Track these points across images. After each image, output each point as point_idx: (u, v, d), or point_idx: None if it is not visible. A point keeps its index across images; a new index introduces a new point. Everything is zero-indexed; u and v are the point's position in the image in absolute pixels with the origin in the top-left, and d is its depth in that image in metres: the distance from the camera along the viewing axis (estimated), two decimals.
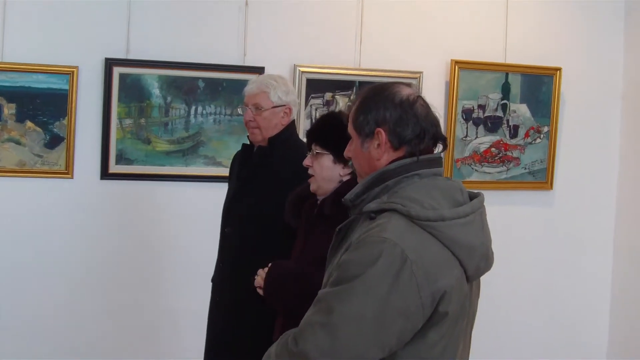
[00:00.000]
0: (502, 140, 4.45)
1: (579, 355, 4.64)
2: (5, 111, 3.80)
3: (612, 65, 4.64)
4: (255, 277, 2.56)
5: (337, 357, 1.66)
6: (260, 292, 2.53)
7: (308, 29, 4.17)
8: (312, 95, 4.13)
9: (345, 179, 2.49)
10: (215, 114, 4.04)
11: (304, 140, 2.79)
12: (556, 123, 4.51)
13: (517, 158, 4.48)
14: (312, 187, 2.55)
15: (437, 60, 4.34)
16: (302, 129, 3.95)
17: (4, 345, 3.87)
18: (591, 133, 4.64)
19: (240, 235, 3.03)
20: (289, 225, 2.74)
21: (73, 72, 3.84)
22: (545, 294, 4.62)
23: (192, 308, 3.86)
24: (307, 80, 4.11)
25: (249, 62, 4.05)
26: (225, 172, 3.53)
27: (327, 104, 4.15)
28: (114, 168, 3.94)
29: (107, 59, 3.88)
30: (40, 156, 3.86)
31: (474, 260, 1.78)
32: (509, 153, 4.46)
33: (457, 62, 4.30)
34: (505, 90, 4.42)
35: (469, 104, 4.36)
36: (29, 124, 3.83)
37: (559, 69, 4.46)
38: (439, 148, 1.91)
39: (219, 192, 3.31)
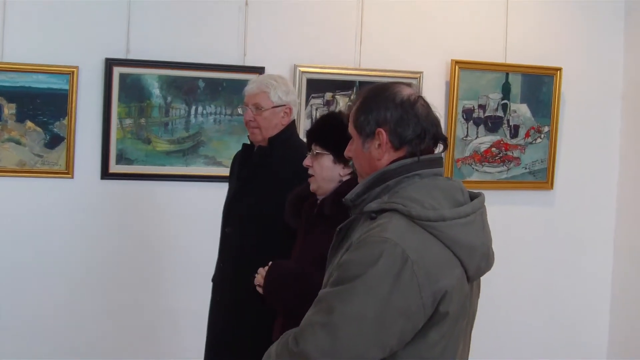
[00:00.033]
0: (502, 140, 4.45)
1: (579, 355, 4.64)
2: (6, 111, 3.80)
3: (612, 65, 4.64)
4: (256, 275, 2.56)
5: (338, 357, 1.66)
6: (260, 290, 2.53)
7: (308, 29, 4.17)
8: (313, 95, 4.13)
9: (345, 179, 2.49)
10: (215, 113, 4.04)
11: (304, 140, 2.79)
12: (556, 123, 4.51)
13: (518, 158, 4.48)
14: (312, 187, 2.55)
15: (437, 60, 4.34)
16: (303, 129, 3.95)
17: (4, 345, 3.87)
18: (591, 133, 4.64)
19: (240, 235, 3.03)
20: (289, 225, 2.74)
21: (73, 72, 3.84)
22: (545, 294, 4.62)
23: (192, 308, 3.87)
24: (307, 80, 4.11)
25: (249, 62, 4.05)
26: (225, 172, 3.53)
27: (328, 104, 4.15)
28: (114, 168, 3.94)
29: (107, 59, 3.88)
30: (40, 156, 3.86)
31: (474, 260, 1.78)
32: (509, 153, 4.46)
33: (457, 62, 4.30)
34: (506, 90, 4.42)
35: (469, 103, 4.36)
36: (29, 123, 3.83)
37: (560, 69, 4.46)
38: (439, 148, 1.91)
39: (219, 192, 3.31)
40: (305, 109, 4.12)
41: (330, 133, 2.51)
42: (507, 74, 4.41)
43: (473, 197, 1.88)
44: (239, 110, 3.56)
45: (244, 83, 3.33)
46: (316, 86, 4.13)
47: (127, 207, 4.02)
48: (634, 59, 4.56)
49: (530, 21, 4.49)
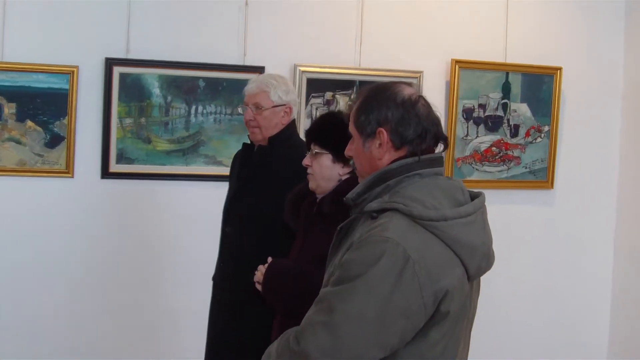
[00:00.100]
0: (502, 140, 4.45)
1: (579, 355, 4.64)
2: (6, 111, 3.80)
3: (613, 65, 4.64)
4: (255, 272, 2.56)
5: (339, 357, 1.66)
6: (259, 287, 2.53)
7: (308, 28, 4.16)
8: (313, 94, 4.13)
9: (344, 178, 2.49)
10: (215, 113, 4.04)
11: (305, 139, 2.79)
12: (557, 122, 4.51)
13: (518, 157, 4.48)
14: (311, 186, 2.54)
15: (437, 60, 4.34)
16: (303, 128, 3.95)
17: (4, 345, 3.87)
18: (592, 132, 4.64)
19: (240, 234, 3.03)
20: (288, 224, 2.73)
21: (73, 71, 3.84)
22: (545, 294, 4.62)
23: (192, 308, 3.86)
24: (308, 80, 4.11)
25: (249, 62, 4.05)
26: (225, 171, 3.53)
27: (328, 103, 4.15)
28: (114, 167, 3.94)
29: (107, 59, 3.88)
30: (40, 155, 3.86)
31: (475, 259, 1.78)
32: (509, 152, 4.46)
33: (457, 61, 4.30)
34: (506, 89, 4.42)
35: (469, 103, 4.36)
36: (29, 123, 3.83)
37: (560, 69, 4.46)
38: (440, 147, 1.91)
39: (220, 192, 3.30)
40: (306, 108, 4.12)
41: (329, 132, 2.51)
42: (507, 74, 4.41)
43: (473, 196, 1.88)
44: (239, 110, 3.56)
45: (244, 82, 3.33)
46: (316, 86, 4.13)
47: (128, 206, 4.02)
48: (634, 59, 4.56)
49: (531, 21, 4.49)
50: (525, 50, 4.45)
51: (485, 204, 1.89)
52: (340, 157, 2.42)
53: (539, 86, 4.47)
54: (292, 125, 3.12)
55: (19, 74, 3.78)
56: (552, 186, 4.56)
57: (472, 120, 4.38)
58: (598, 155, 4.66)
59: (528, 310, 4.59)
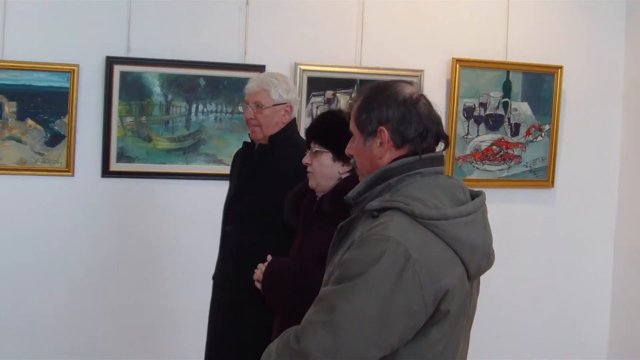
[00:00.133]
0: (503, 139, 4.44)
1: (579, 355, 4.63)
2: (6, 109, 3.80)
3: (613, 65, 4.63)
4: (255, 270, 2.56)
5: (339, 356, 1.65)
6: (259, 286, 2.52)
7: (309, 27, 4.16)
8: (313, 93, 4.13)
9: (344, 176, 2.48)
10: (216, 112, 4.04)
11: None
12: (557, 121, 4.50)
13: (519, 156, 4.48)
14: (311, 184, 2.54)
15: (438, 59, 4.34)
16: (303, 127, 3.95)
17: (4, 345, 3.86)
18: (592, 132, 4.64)
19: (241, 233, 3.03)
20: (288, 223, 2.73)
21: (74, 70, 3.84)
22: (545, 293, 4.62)
23: (192, 308, 3.86)
24: (308, 79, 4.11)
25: (249, 61, 4.05)
26: (226, 170, 3.53)
27: (328, 102, 4.15)
28: (114, 166, 3.94)
29: (108, 57, 3.88)
30: (41, 154, 3.86)
31: (475, 258, 1.78)
32: (510, 151, 4.46)
33: (458, 60, 4.29)
34: (507, 88, 4.41)
35: (470, 102, 4.36)
36: (29, 122, 3.83)
37: (560, 67, 4.46)
38: (440, 146, 1.91)
39: (220, 190, 3.30)
40: (306, 107, 4.12)
41: (329, 131, 2.51)
42: (508, 72, 4.41)
43: (474, 195, 1.88)
44: (240, 109, 3.55)
45: (244, 81, 3.33)
46: (317, 84, 4.13)
47: (128, 205, 4.02)
48: (635, 59, 4.56)
49: (531, 19, 4.48)
50: (526, 49, 4.45)
51: (486, 202, 1.89)
52: (340, 155, 2.41)
53: (540, 85, 4.47)
54: (292, 124, 3.12)
55: (20, 73, 3.78)
56: (552, 185, 4.56)
57: (472, 119, 4.38)
58: (598, 155, 4.65)
59: (528, 310, 4.59)
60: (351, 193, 1.87)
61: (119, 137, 3.93)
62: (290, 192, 2.73)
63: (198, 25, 4.02)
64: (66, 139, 3.87)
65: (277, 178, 2.96)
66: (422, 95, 1.87)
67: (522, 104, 4.46)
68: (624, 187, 4.64)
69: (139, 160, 3.97)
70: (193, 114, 4.02)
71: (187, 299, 4.02)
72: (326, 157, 2.49)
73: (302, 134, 3.37)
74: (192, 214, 4.05)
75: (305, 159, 2.54)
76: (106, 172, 3.93)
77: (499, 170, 4.45)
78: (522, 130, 4.47)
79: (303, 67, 4.09)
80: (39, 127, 3.84)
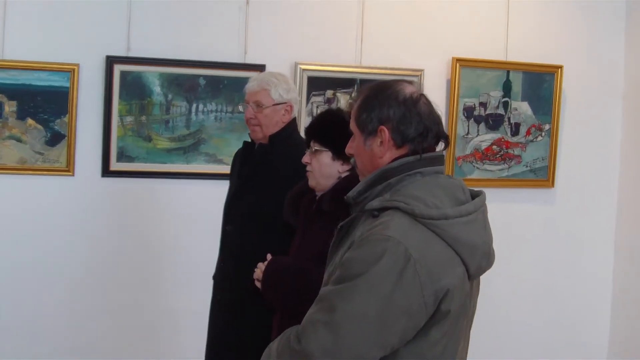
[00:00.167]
0: (503, 138, 4.44)
1: (580, 355, 4.63)
2: (6, 109, 3.80)
3: (613, 65, 4.63)
4: (255, 269, 2.56)
5: (340, 356, 1.65)
6: (259, 284, 2.52)
7: (309, 27, 4.16)
8: (313, 92, 4.13)
9: (344, 175, 2.48)
10: (216, 111, 4.04)
11: None
12: (557, 121, 4.50)
13: (519, 156, 4.48)
14: (311, 183, 2.54)
15: (438, 59, 4.34)
16: (303, 126, 3.94)
17: (4, 345, 3.86)
18: (592, 131, 4.64)
19: (241, 233, 3.03)
20: (288, 222, 2.73)
21: (74, 69, 3.84)
22: (545, 293, 4.61)
23: (192, 308, 3.86)
24: (308, 78, 4.11)
25: (249, 60, 4.05)
26: (226, 169, 3.53)
27: (328, 101, 4.15)
28: (115, 165, 3.94)
29: (108, 57, 3.88)
30: (41, 154, 3.86)
31: (476, 258, 1.78)
32: (510, 151, 4.45)
33: (458, 60, 4.29)
34: (507, 88, 4.41)
35: (470, 101, 4.36)
36: (29, 121, 3.83)
37: (561, 67, 4.45)
38: (440, 146, 1.90)
39: (220, 190, 3.30)
40: (306, 106, 4.12)
41: (329, 130, 2.50)
42: (508, 72, 4.41)
43: (474, 195, 1.88)
44: (240, 108, 3.55)
45: (244, 81, 3.32)
46: (317, 84, 4.13)
47: (128, 204, 4.02)
48: (635, 59, 4.56)
49: (531, 19, 4.48)
50: (526, 49, 4.45)
51: (486, 202, 1.89)
52: (339, 154, 2.41)
53: (540, 84, 4.47)
54: (292, 124, 3.12)
55: (20, 72, 3.78)
56: (552, 185, 4.56)
57: (472, 119, 4.38)
58: (599, 154, 4.65)
59: (528, 310, 4.59)
60: (351, 193, 1.86)
61: (119, 137, 3.93)
62: (289, 191, 2.73)
63: (198, 25, 4.02)
64: (66, 138, 3.87)
65: (277, 177, 2.96)
66: (422, 95, 1.87)
67: (522, 104, 4.46)
68: (624, 187, 4.63)
69: (139, 159, 3.97)
70: (193, 114, 4.02)
71: (187, 299, 4.01)
72: (326, 156, 2.49)
73: (302, 134, 3.37)
74: (192, 214, 4.05)
75: (305, 158, 2.54)
76: (106, 172, 3.93)
77: (499, 170, 4.45)
78: (522, 130, 4.47)
79: (303, 67, 4.09)
80: (39, 126, 3.84)
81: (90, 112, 3.91)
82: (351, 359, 1.66)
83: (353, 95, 4.11)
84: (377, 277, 1.65)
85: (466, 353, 1.95)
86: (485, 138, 4.41)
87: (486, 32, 4.41)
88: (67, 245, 3.93)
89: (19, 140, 3.83)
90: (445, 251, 1.72)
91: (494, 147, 4.43)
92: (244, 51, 4.05)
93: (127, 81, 3.91)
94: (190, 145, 4.02)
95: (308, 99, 4.12)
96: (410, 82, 1.92)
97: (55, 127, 3.85)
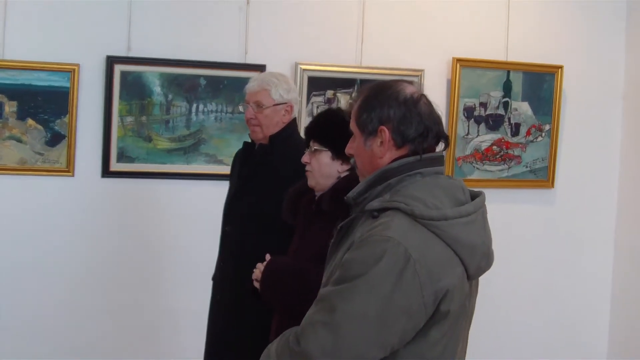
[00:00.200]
0: (503, 139, 4.44)
1: (579, 355, 4.63)
2: (7, 109, 3.80)
3: (614, 65, 4.63)
4: (254, 270, 2.55)
5: (340, 356, 1.65)
6: (257, 284, 2.52)
7: (309, 27, 4.16)
8: (314, 93, 4.13)
9: (343, 175, 2.48)
10: (216, 111, 4.04)
11: None
12: (558, 121, 4.50)
13: (519, 156, 4.48)
14: (310, 183, 2.54)
15: (438, 59, 4.34)
16: (304, 126, 3.93)
17: (4, 345, 3.86)
18: (592, 132, 4.64)
19: (241, 233, 3.03)
20: (287, 222, 2.73)
21: (74, 69, 3.84)
22: (545, 293, 4.61)
23: (192, 308, 3.86)
24: (309, 78, 4.11)
25: (250, 60, 4.05)
26: (226, 170, 3.53)
27: (329, 101, 4.15)
28: (115, 166, 3.94)
29: (108, 57, 3.88)
30: (41, 154, 3.86)
31: (475, 259, 1.78)
32: (510, 151, 4.45)
33: (458, 60, 4.29)
34: (507, 88, 4.41)
35: (470, 101, 4.36)
36: (30, 121, 3.83)
37: (561, 67, 4.45)
38: (440, 146, 1.90)
39: (220, 190, 3.30)
40: (307, 106, 4.12)
41: (328, 129, 2.50)
42: (508, 72, 4.41)
43: (473, 196, 1.88)
44: (240, 108, 3.55)
45: (245, 81, 3.33)
46: (317, 84, 4.13)
47: (128, 205, 4.02)
48: (635, 59, 4.56)
49: (532, 19, 4.48)
50: (526, 49, 4.45)
51: (486, 203, 1.89)
52: (339, 154, 2.41)
53: (540, 85, 4.47)
54: (293, 124, 3.12)
55: (20, 72, 3.78)
56: (552, 185, 4.56)
57: (473, 119, 4.38)
58: (599, 155, 4.65)
59: (528, 310, 4.59)
60: (351, 193, 1.86)
61: (119, 137, 3.93)
62: (288, 191, 2.72)
63: (198, 25, 4.02)
64: (66, 138, 3.87)
65: (277, 178, 2.96)
66: (422, 95, 1.87)
67: (522, 104, 4.46)
68: (624, 187, 4.63)
69: (139, 160, 3.97)
70: (193, 114, 4.02)
71: (187, 299, 4.01)
72: (325, 156, 2.49)
73: (303, 134, 3.37)
74: (192, 214, 4.05)
75: (304, 158, 2.53)
76: (106, 172, 3.93)
77: (499, 170, 4.45)
78: (523, 130, 4.47)
79: (303, 67, 4.09)
80: (39, 126, 3.84)
81: (91, 113, 3.91)
82: (351, 359, 1.66)
83: (353, 95, 4.10)
84: (377, 277, 1.65)
85: (465, 353, 1.95)
86: (485, 138, 4.41)
87: (486, 32, 4.41)
88: (67, 246, 3.93)
89: (19, 140, 3.83)
90: (445, 252, 1.72)
91: (494, 147, 4.43)
92: (244, 51, 4.05)
93: (127, 81, 3.91)
94: (191, 145, 4.02)
95: (308, 99, 4.12)
96: (411, 82, 1.92)
97: (56, 127, 3.85)
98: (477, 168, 4.41)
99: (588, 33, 4.59)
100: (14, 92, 3.79)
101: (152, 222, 4.05)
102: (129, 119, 3.94)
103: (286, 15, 4.13)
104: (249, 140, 3.20)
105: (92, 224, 3.96)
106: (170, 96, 3.98)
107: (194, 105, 4.01)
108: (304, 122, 4.00)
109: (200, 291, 3.35)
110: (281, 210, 2.74)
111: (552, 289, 4.62)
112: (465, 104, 4.35)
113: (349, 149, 1.94)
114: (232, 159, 3.36)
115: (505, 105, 4.42)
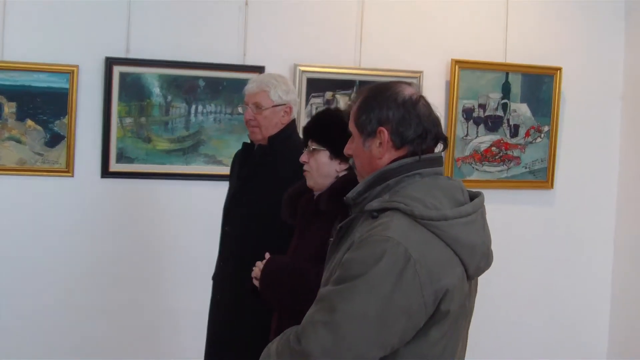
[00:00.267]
0: (502, 140, 4.45)
1: (579, 355, 4.63)
2: (6, 110, 3.80)
3: (613, 65, 4.64)
4: (253, 268, 2.56)
5: (340, 356, 1.66)
6: (257, 283, 2.53)
7: (308, 28, 4.16)
8: (313, 94, 4.13)
9: (341, 174, 2.48)
10: (215, 112, 4.04)
11: None
12: (557, 122, 4.51)
13: (518, 157, 4.48)
14: (309, 183, 2.54)
15: (437, 60, 4.34)
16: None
17: (4, 345, 3.86)
18: (591, 132, 4.64)
19: (240, 233, 3.03)
20: (286, 222, 2.73)
21: (73, 71, 3.84)
22: (545, 293, 4.62)
23: (192, 308, 3.86)
24: (308, 80, 4.11)
25: (249, 61, 4.05)
26: (225, 170, 3.53)
27: (328, 103, 4.15)
28: (114, 166, 3.94)
29: (107, 58, 3.88)
30: (40, 155, 3.86)
31: (475, 259, 1.79)
32: (509, 152, 4.46)
33: (457, 61, 4.30)
34: (506, 89, 4.42)
35: (469, 103, 4.36)
36: (29, 122, 3.83)
37: (560, 69, 4.46)
38: (439, 147, 1.91)
39: (220, 191, 3.30)
40: (306, 108, 4.12)
41: (326, 129, 2.50)
42: (507, 74, 4.41)
43: (473, 196, 1.88)
44: (239, 109, 3.56)
45: (244, 82, 3.33)
46: (316, 85, 4.13)
47: (127, 205, 4.02)
48: (634, 59, 4.56)
49: (530, 20, 4.48)
50: (525, 50, 4.45)
51: (485, 204, 1.89)
52: (337, 153, 2.40)
53: (539, 86, 4.47)
54: (292, 125, 3.12)
55: (19, 73, 3.78)
56: (551, 186, 4.56)
57: (472, 120, 4.38)
58: (598, 156, 4.66)
59: (528, 310, 4.59)
60: (351, 194, 1.87)
61: (118, 138, 3.93)
62: (286, 191, 2.72)
63: (198, 26, 4.02)
64: (66, 139, 3.87)
65: (276, 179, 2.96)
66: (421, 97, 1.88)
67: (521, 105, 4.46)
68: (624, 188, 4.64)
69: (138, 160, 3.97)
70: (192, 115, 4.02)
71: (187, 299, 4.02)
72: (323, 155, 2.49)
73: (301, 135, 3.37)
74: (191, 215, 4.05)
75: (303, 157, 2.53)
76: (106, 173, 3.93)
77: (498, 171, 4.46)
78: (522, 131, 4.47)
79: (302, 68, 4.09)
80: (39, 127, 3.84)
81: (90, 114, 3.91)
82: (351, 359, 1.66)
83: (352, 96, 4.11)
84: (377, 277, 1.65)
85: (464, 353, 1.96)
86: (484, 139, 4.41)
87: (485, 33, 4.42)
88: (66, 246, 3.93)
89: (18, 141, 3.83)
90: (445, 252, 1.73)
91: (493, 148, 4.43)
92: (244, 52, 4.06)
93: (126, 82, 3.91)
94: (190, 146, 4.02)
95: (307, 100, 4.12)
96: (410, 84, 1.92)
97: (55, 128, 3.86)
98: (477, 169, 4.42)
99: (587, 34, 4.59)
100: (14, 93, 3.79)
101: (151, 222, 4.05)
102: (128, 120, 3.94)
103: (285, 17, 4.13)
104: (248, 141, 3.20)
105: (92, 224, 3.96)
106: (169, 97, 3.98)
107: (193, 107, 4.02)
108: (302, 123, 3.99)
109: (200, 291, 3.36)
110: (280, 210, 2.74)
111: (552, 289, 4.62)
112: (464, 106, 4.35)
113: (347, 150, 1.95)
114: (231, 160, 3.37)
115: (504, 107, 4.43)
